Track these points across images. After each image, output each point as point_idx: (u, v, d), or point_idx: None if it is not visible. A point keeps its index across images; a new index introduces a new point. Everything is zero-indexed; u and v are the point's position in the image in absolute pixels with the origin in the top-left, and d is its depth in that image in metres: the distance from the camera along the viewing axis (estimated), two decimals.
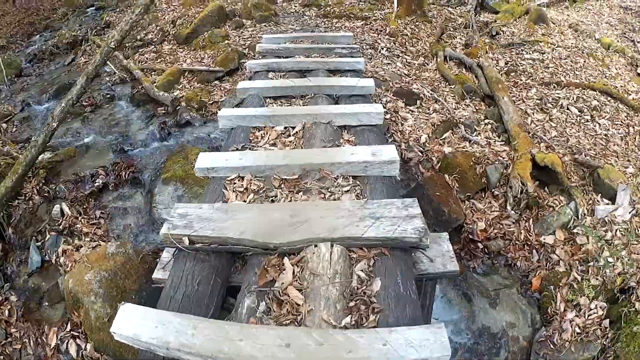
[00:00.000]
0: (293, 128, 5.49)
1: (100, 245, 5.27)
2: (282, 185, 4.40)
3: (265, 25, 10.63)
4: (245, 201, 4.20)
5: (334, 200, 4.12)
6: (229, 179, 4.56)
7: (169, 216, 3.83)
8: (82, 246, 5.40)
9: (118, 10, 14.20)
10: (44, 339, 4.85)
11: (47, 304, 5.14)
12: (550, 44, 10.06)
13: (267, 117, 5.60)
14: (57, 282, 5.20)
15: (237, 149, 5.04)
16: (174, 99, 7.55)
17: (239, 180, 4.53)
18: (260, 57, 8.20)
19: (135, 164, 6.34)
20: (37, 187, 6.22)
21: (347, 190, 4.28)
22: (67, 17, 16.40)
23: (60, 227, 5.67)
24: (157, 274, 3.79)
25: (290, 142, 5.26)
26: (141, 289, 4.55)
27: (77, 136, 7.47)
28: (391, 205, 3.76)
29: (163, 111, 7.51)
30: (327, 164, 4.49)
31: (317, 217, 3.66)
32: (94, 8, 16.12)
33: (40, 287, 5.33)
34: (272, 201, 4.17)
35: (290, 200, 4.17)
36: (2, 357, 4.74)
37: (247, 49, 9.15)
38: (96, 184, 6.04)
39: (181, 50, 9.64)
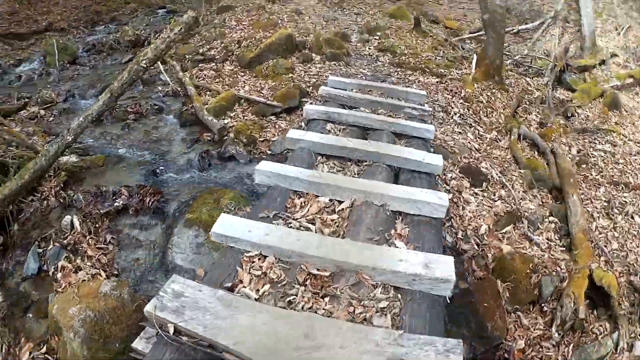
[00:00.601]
0: (340, 202, 4.86)
1: (99, 275, 4.75)
2: (308, 283, 3.77)
3: (334, 64, 10.07)
4: (258, 290, 3.64)
5: (364, 321, 3.46)
6: (247, 255, 4.02)
7: (161, 290, 3.38)
8: (81, 269, 4.87)
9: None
10: (17, 351, 4.45)
11: (32, 315, 4.74)
12: (622, 135, 9.25)
13: (312, 183, 4.99)
14: (48, 297, 4.74)
15: (268, 217, 4.50)
16: (222, 127, 7.00)
17: (259, 260, 3.97)
18: (322, 102, 7.61)
19: (163, 191, 5.81)
20: (56, 189, 5.84)
21: (383, 308, 3.60)
22: (135, 14, 16.46)
23: (66, 240, 5.22)
24: (138, 344, 3.33)
25: (332, 221, 4.60)
26: (128, 339, 3.95)
27: (112, 144, 7.09)
28: (430, 347, 3.07)
29: (209, 138, 6.98)
30: (369, 267, 3.83)
31: (336, 345, 3.01)
32: (164, 10, 16.09)
33: (30, 296, 4.93)
34: (290, 303, 3.57)
35: (311, 308, 3.53)
36: None
37: (310, 87, 8.61)
38: (116, 204, 5.55)
39: (242, 73, 9.15)
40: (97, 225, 5.42)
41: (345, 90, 8.04)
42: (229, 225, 4.19)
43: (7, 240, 5.51)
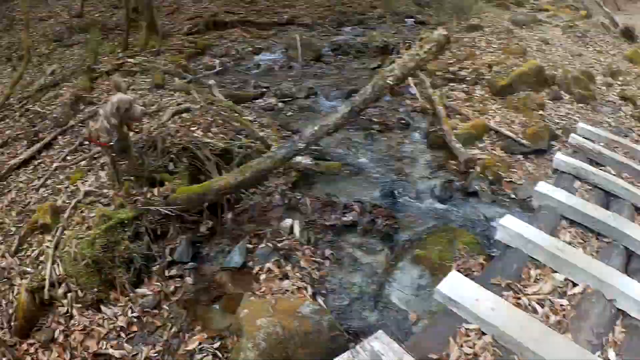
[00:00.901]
0: (573, 285, 4.22)
1: (304, 290, 4.54)
2: None
3: (582, 107, 9.00)
4: None
5: None
6: (466, 326, 3.59)
7: (359, 345, 3.19)
8: (288, 278, 4.72)
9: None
10: (186, 337, 4.46)
11: (218, 307, 4.72)
12: None
13: (552, 255, 4.36)
14: (242, 295, 4.65)
15: (499, 285, 4.02)
16: (469, 158, 6.55)
17: (475, 336, 3.54)
18: (572, 152, 6.70)
19: (397, 217, 5.49)
20: (283, 188, 5.86)
21: None
22: (382, 20, 16.37)
23: (281, 244, 5.14)
24: None
25: (560, 308, 3.98)
26: None
27: (352, 152, 6.97)
28: None
29: (454, 167, 6.54)
30: None
31: None
32: (412, 20, 15.73)
33: (223, 287, 4.92)
34: None
35: None
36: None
37: (560, 130, 7.68)
38: (344, 218, 5.38)
39: (492, 101, 8.54)
40: (318, 236, 5.24)
41: (593, 142, 7.03)
42: (457, 287, 3.81)
43: (216, 226, 5.57)
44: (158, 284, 5.01)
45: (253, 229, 5.41)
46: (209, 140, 6.31)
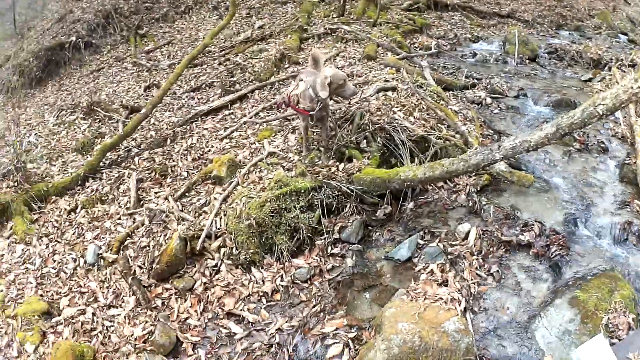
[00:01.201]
0: None
1: (457, 302, 4.26)
2: None
3: None
4: None
5: None
6: None
7: None
8: (446, 285, 4.45)
9: None
10: (325, 317, 4.41)
11: (368, 296, 4.62)
12: None
13: None
14: (397, 289, 4.54)
15: None
16: None
17: None
18: None
19: (572, 248, 4.95)
20: (470, 189, 5.52)
21: None
22: (599, 31, 15.28)
23: (452, 247, 4.88)
24: None
25: None
26: None
27: (547, 167, 6.40)
28: None
29: (638, 208, 5.72)
30: None
31: None
32: (626, 38, 14.33)
33: (381, 276, 4.82)
34: None
35: None
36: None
37: None
38: (521, 237, 4.94)
39: None
40: (490, 249, 4.88)
41: None
42: (596, 356, 3.55)
43: (394, 213, 5.42)
44: (317, 258, 5.03)
45: (429, 225, 5.22)
46: (408, 125, 6.04)
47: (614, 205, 5.71)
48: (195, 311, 4.65)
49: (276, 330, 4.36)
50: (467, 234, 4.97)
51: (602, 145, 6.97)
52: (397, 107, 6.47)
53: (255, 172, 5.74)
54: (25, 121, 9.97)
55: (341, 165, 5.47)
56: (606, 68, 10.05)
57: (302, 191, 5.08)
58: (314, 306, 4.54)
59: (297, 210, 5.01)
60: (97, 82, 11.36)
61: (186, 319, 4.63)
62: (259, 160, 5.88)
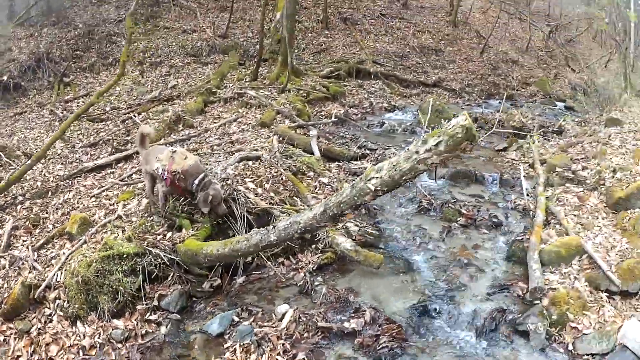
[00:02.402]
0: None
1: None
2: None
3: None
4: None
5: None
6: None
7: None
8: None
9: (586, 121, 12.03)
10: None
11: None
12: None
13: None
14: None
15: None
16: (539, 287, 5.33)
17: None
18: None
19: (410, 340, 4.66)
20: (308, 266, 5.62)
21: None
22: (533, 99, 15.89)
23: (263, 328, 4.86)
24: None
25: None
26: None
27: (415, 244, 6.25)
28: None
29: (520, 292, 5.45)
30: None
31: None
32: (563, 105, 14.99)
33: (190, 349, 4.82)
34: None
35: None
36: None
37: None
38: (346, 324, 4.77)
39: (604, 215, 6.58)
40: (305, 334, 4.74)
41: None
42: None
43: (223, 286, 5.49)
44: (135, 322, 5.13)
45: (252, 302, 5.21)
46: (251, 197, 6.14)
47: (489, 289, 5.43)
48: (27, 351, 4.92)
49: None
50: (284, 315, 4.90)
51: (495, 220, 6.78)
52: (250, 178, 6.60)
53: (101, 233, 5.88)
54: None
55: (169, 234, 5.57)
56: (529, 136, 10.06)
57: (125, 256, 5.19)
58: None
59: (119, 273, 5.13)
60: (15, 125, 11.49)
61: (19, 357, 4.92)
62: (108, 222, 6.00)
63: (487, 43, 18.76)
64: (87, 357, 4.83)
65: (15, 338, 5.13)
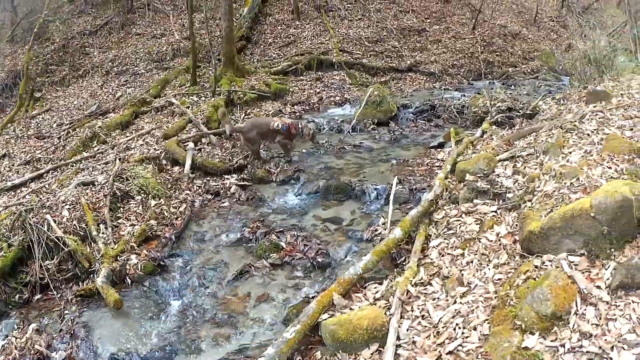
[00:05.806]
0: None
1: None
2: None
3: None
4: None
5: None
6: None
7: None
8: None
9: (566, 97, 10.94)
10: None
11: None
12: None
13: None
14: None
15: None
16: None
17: None
18: None
19: None
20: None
21: None
22: (536, 75, 14.77)
23: None
24: None
25: None
26: None
27: (191, 288, 5.93)
28: None
29: None
30: None
31: None
32: (569, 78, 14.03)
33: None
34: None
35: None
36: None
37: None
38: None
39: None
40: None
41: None
42: None
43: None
44: None
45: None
46: (53, 226, 6.19)
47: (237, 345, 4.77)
48: None
49: None
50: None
51: (320, 260, 5.70)
52: (69, 205, 6.66)
53: None
54: None
55: None
56: (487, 122, 8.97)
57: None
58: None
59: None
60: None
61: None
62: None
63: (478, 17, 17.51)
64: None
65: None
